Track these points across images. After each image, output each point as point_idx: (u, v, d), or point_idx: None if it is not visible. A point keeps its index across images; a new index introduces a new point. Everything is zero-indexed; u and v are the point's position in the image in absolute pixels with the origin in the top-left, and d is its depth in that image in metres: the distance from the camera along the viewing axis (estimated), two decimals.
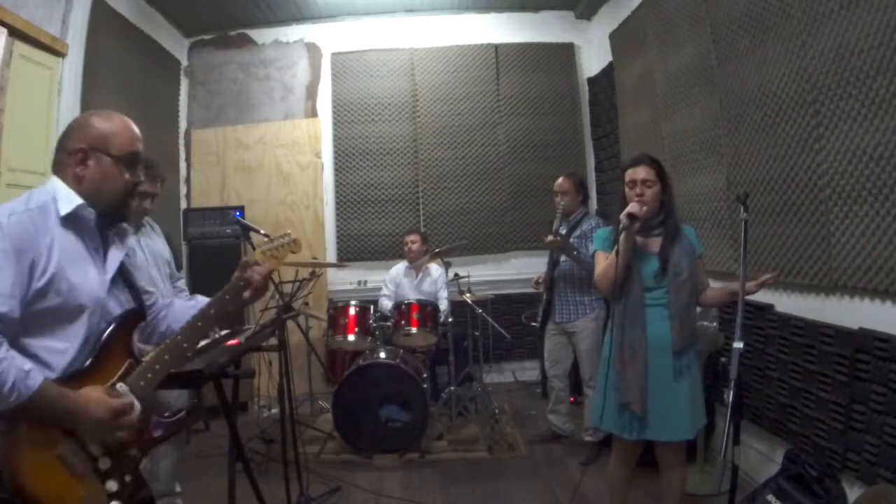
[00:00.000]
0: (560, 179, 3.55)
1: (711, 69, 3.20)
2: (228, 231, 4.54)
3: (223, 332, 2.69)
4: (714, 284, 2.40)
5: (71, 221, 1.33)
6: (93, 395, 1.26)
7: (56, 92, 3.34)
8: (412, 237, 4.42)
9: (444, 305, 4.18)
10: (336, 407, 3.54)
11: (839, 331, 2.38)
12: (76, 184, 1.35)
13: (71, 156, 1.36)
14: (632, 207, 2.14)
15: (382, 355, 3.67)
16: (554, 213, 3.58)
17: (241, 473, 2.46)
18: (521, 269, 5.10)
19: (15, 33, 2.93)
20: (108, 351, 1.35)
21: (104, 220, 1.41)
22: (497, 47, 5.28)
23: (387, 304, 4.30)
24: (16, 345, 1.22)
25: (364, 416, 3.53)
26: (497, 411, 4.04)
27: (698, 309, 2.46)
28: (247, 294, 1.52)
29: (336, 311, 3.96)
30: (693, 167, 3.48)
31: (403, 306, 3.93)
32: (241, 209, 4.71)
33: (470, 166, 5.24)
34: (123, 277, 1.47)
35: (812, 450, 2.50)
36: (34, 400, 1.17)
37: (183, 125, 5.25)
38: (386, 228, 5.22)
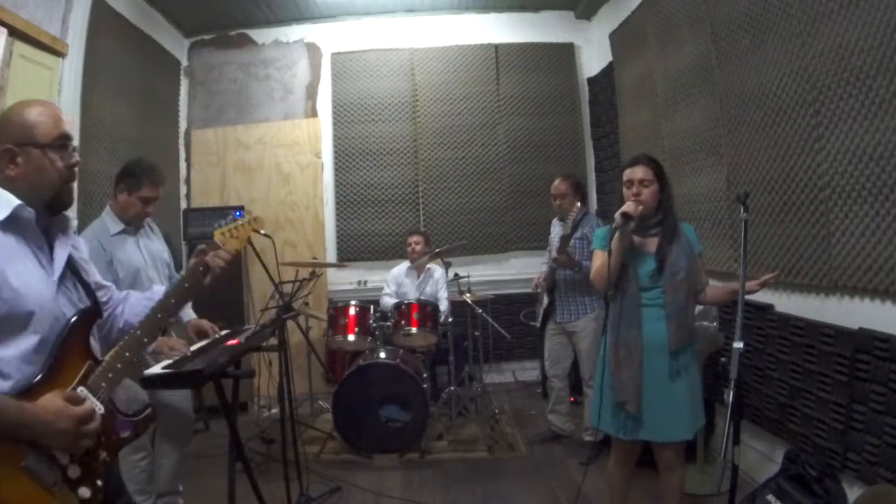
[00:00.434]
0: (557, 181, 3.53)
1: (711, 69, 3.20)
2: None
3: (223, 332, 2.70)
4: (714, 284, 2.39)
5: (11, 224, 1.26)
6: (51, 406, 1.20)
7: (56, 92, 3.34)
8: (415, 238, 4.42)
9: (444, 305, 4.18)
10: (336, 407, 3.54)
11: (839, 331, 2.38)
12: (10, 184, 1.29)
13: None
14: (626, 206, 2.15)
15: (382, 355, 3.67)
16: (552, 214, 3.58)
17: (241, 473, 2.45)
18: (521, 269, 5.10)
19: (15, 33, 2.93)
20: (65, 354, 1.29)
21: (46, 215, 1.35)
22: (497, 47, 5.28)
23: (388, 301, 4.31)
24: None
25: (364, 416, 3.53)
26: (497, 411, 4.05)
27: (698, 308, 2.46)
28: (207, 279, 1.49)
29: (336, 311, 3.97)
30: (693, 167, 3.48)
31: (403, 306, 3.93)
32: (241, 209, 4.70)
33: (470, 166, 5.24)
34: (74, 273, 1.40)
35: (812, 450, 2.50)
36: None
37: (183, 125, 5.24)
38: (386, 228, 5.22)
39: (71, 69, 3.44)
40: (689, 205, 3.46)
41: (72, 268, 1.40)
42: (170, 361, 2.20)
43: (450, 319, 3.98)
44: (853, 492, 2.27)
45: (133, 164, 2.61)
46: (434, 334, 3.92)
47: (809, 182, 2.52)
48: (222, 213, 4.46)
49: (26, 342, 1.24)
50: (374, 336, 3.90)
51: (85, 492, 1.27)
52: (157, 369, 2.11)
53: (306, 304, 4.28)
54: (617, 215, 2.13)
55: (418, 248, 4.37)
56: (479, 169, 5.24)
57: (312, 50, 5.35)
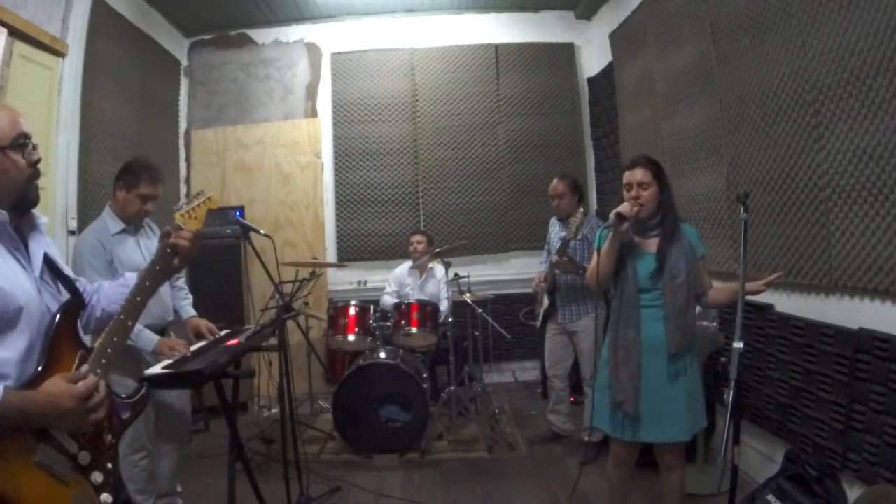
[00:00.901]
0: (554, 181, 3.52)
1: (711, 69, 3.20)
2: (228, 231, 4.53)
3: (223, 332, 2.70)
4: (718, 286, 2.38)
5: None
6: (54, 389, 1.23)
7: (56, 92, 3.34)
8: (418, 237, 4.42)
9: (444, 305, 4.18)
10: (336, 407, 3.54)
11: (839, 331, 2.37)
12: None
13: None
14: (622, 207, 2.15)
15: (382, 355, 3.67)
16: (552, 214, 3.56)
17: (241, 473, 2.46)
18: (521, 269, 5.11)
19: (15, 33, 2.93)
20: (58, 347, 1.32)
21: (14, 216, 1.36)
22: (497, 47, 5.28)
23: (389, 300, 4.31)
24: None
25: (364, 416, 3.53)
26: (497, 411, 4.05)
27: (698, 309, 2.45)
28: (176, 261, 1.53)
29: (336, 311, 3.97)
30: (693, 167, 3.48)
31: (403, 306, 3.93)
32: (241, 209, 4.71)
33: (470, 166, 5.24)
34: (50, 269, 1.42)
35: (812, 450, 2.50)
36: (0, 412, 1.13)
37: (183, 125, 5.24)
38: (386, 228, 5.22)
39: (71, 69, 3.44)
40: (689, 205, 3.46)
41: (48, 263, 1.42)
42: (170, 361, 2.20)
43: (450, 319, 3.98)
44: (853, 492, 2.27)
45: (131, 161, 2.61)
46: (434, 334, 3.92)
47: (809, 182, 2.52)
48: (222, 213, 4.47)
49: (19, 340, 1.26)
50: (374, 336, 3.90)
51: (97, 476, 1.31)
52: (157, 369, 2.11)
53: (306, 304, 4.28)
54: (612, 215, 2.14)
55: (420, 247, 4.37)
56: (479, 169, 5.24)
57: (312, 50, 5.35)
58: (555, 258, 3.24)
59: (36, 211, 1.44)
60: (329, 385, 4.62)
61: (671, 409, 2.15)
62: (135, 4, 4.30)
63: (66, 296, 1.42)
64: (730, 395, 1.88)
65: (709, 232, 3.29)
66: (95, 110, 3.65)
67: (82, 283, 1.60)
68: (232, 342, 2.53)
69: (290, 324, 3.55)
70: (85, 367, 1.32)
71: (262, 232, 2.74)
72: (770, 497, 2.36)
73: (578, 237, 3.36)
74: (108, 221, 2.53)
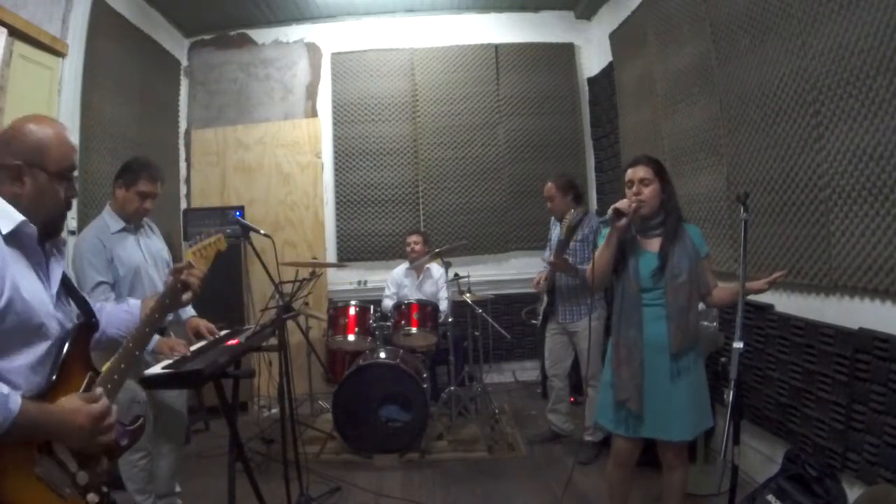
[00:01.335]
0: (547, 184, 3.55)
1: (711, 69, 3.20)
2: (228, 231, 4.42)
3: (223, 332, 2.70)
4: (722, 286, 2.36)
5: (14, 239, 1.28)
6: (69, 405, 1.24)
7: (56, 92, 3.34)
8: (414, 237, 4.42)
9: (444, 305, 4.18)
10: (336, 407, 3.54)
11: (839, 331, 2.37)
12: (13, 200, 1.30)
13: (5, 170, 1.29)
14: (620, 203, 2.15)
15: (382, 355, 3.67)
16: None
17: (241, 473, 2.46)
18: (521, 269, 5.10)
19: (15, 33, 2.93)
20: (70, 366, 1.33)
21: (41, 234, 1.37)
22: (497, 47, 5.28)
23: (389, 304, 4.31)
24: None
25: (364, 416, 3.53)
26: (497, 411, 4.05)
27: (701, 306, 2.45)
28: (185, 297, 1.56)
29: (336, 311, 3.97)
30: (693, 167, 3.48)
31: (403, 306, 3.94)
32: (241, 209, 4.71)
33: (470, 166, 5.24)
34: (66, 289, 1.44)
35: (812, 450, 2.50)
36: (18, 421, 1.14)
37: (183, 125, 5.24)
38: (386, 228, 5.22)
39: (71, 69, 3.44)
40: (690, 205, 3.46)
41: (65, 283, 1.43)
42: (170, 361, 2.20)
43: (450, 319, 3.98)
44: (853, 492, 2.27)
45: (131, 160, 2.62)
46: (434, 334, 3.92)
47: (809, 182, 2.52)
48: (222, 213, 4.48)
49: (34, 353, 1.27)
50: (374, 336, 3.90)
51: (93, 497, 1.31)
52: (157, 369, 2.11)
53: (306, 304, 4.28)
54: (609, 210, 2.14)
55: (417, 247, 4.37)
56: (479, 169, 5.24)
57: (312, 50, 5.35)
58: (550, 258, 3.25)
59: (63, 236, 1.47)
60: (329, 385, 4.62)
61: (674, 408, 2.15)
62: (135, 4, 4.30)
63: (76, 315, 1.43)
64: (730, 395, 1.88)
65: (709, 232, 3.29)
66: (95, 110, 3.65)
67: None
68: (232, 342, 2.53)
69: (290, 324, 3.55)
70: (99, 390, 1.32)
71: (262, 232, 2.74)
72: (770, 497, 2.36)
73: (579, 238, 3.37)
74: (108, 220, 2.53)
